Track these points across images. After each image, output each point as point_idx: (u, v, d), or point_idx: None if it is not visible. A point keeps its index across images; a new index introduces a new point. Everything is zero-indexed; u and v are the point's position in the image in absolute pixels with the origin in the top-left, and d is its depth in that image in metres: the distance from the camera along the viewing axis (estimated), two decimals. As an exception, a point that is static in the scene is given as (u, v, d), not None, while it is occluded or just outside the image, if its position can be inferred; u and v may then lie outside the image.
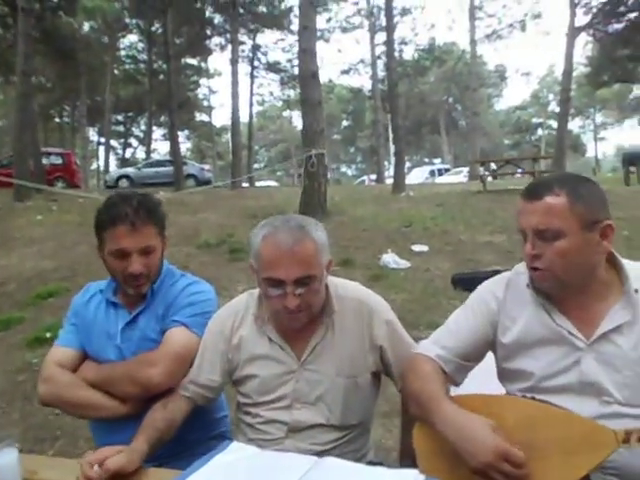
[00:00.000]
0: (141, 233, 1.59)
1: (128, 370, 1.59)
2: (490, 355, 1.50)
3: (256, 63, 30.08)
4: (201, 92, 38.01)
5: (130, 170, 22.57)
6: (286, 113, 49.71)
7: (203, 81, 36.93)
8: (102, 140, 35.47)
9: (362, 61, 34.38)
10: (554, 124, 30.01)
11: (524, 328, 1.37)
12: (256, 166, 42.38)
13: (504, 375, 1.46)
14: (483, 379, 1.49)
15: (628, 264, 1.34)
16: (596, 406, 1.27)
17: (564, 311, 1.33)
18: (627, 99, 42.44)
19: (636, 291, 1.28)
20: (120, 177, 21.54)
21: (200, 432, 1.69)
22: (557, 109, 25.63)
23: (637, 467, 1.22)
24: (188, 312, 1.66)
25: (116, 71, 30.28)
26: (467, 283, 5.22)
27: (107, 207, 1.63)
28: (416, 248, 7.61)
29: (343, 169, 59.81)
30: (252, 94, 29.95)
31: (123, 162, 37.78)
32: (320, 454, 1.34)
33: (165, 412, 1.49)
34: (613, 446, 1.14)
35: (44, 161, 16.46)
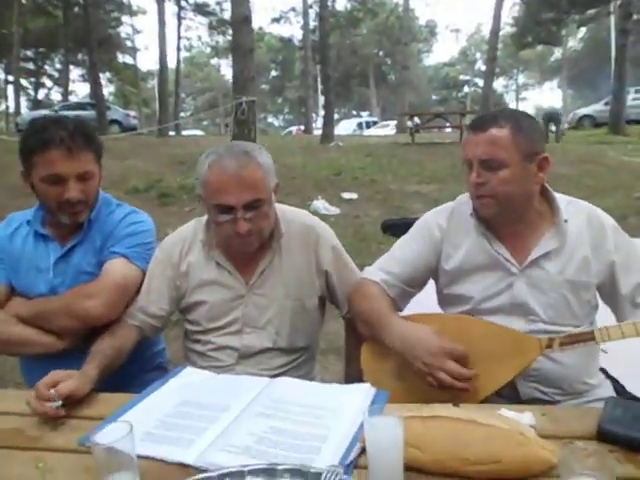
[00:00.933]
0: (78, 159, 1.50)
1: (64, 303, 1.52)
2: (430, 283, 1.58)
3: (183, 3, 28.40)
4: (124, 31, 35.36)
5: (46, 113, 20.90)
6: (214, 61, 47.78)
7: (126, 19, 34.43)
8: (10, 78, 32.47)
9: (293, 9, 33.48)
10: (480, 82, 30.88)
11: (466, 255, 1.46)
12: (182, 115, 40.54)
13: (445, 300, 1.55)
14: (424, 307, 1.56)
15: (560, 197, 1.45)
16: (523, 324, 1.39)
17: (501, 239, 1.43)
18: (548, 62, 44.10)
19: (565, 221, 1.39)
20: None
21: (139, 365, 1.66)
22: (484, 67, 26.29)
23: (551, 373, 1.38)
24: (128, 243, 1.60)
25: (24, 0, 27.50)
26: (396, 229, 5.39)
27: (37, 130, 1.51)
28: (346, 196, 7.76)
29: (270, 120, 58.57)
30: (179, 37, 28.40)
31: (36, 104, 34.88)
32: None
33: (114, 339, 1.46)
34: (538, 351, 1.28)
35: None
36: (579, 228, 1.41)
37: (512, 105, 50.38)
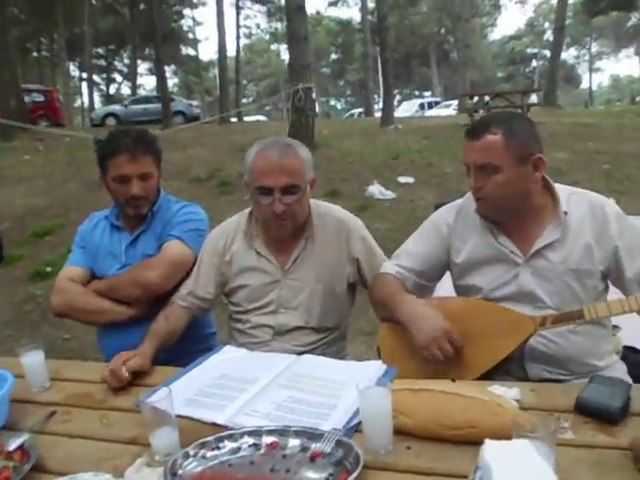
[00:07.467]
0: (140, 161, 1.84)
1: (131, 275, 1.84)
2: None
3: (241, -8, 28.92)
4: (185, 24, 36.62)
5: (117, 108, 22.01)
6: (274, 46, 48.23)
7: (187, 12, 35.52)
8: (84, 75, 34.34)
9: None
10: (549, 54, 29.36)
11: (473, 249, 1.58)
12: (244, 101, 41.40)
13: (459, 290, 1.68)
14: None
15: (563, 189, 1.53)
16: (530, 311, 1.48)
17: (506, 233, 1.54)
18: (624, 27, 41.27)
19: (565, 213, 1.48)
20: (107, 115, 21.03)
21: (190, 343, 1.87)
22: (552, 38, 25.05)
23: (557, 354, 1.48)
24: (183, 228, 1.90)
25: (94, 1, 28.91)
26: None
27: (109, 140, 1.88)
28: (402, 180, 7.79)
29: (332, 102, 58.64)
30: (238, 26, 28.94)
31: (108, 98, 36.76)
32: (302, 354, 1.57)
33: (167, 323, 1.71)
34: (532, 328, 1.39)
35: (25, 99, 15.96)
36: (581, 217, 1.48)
37: (585, 76, 47.69)
